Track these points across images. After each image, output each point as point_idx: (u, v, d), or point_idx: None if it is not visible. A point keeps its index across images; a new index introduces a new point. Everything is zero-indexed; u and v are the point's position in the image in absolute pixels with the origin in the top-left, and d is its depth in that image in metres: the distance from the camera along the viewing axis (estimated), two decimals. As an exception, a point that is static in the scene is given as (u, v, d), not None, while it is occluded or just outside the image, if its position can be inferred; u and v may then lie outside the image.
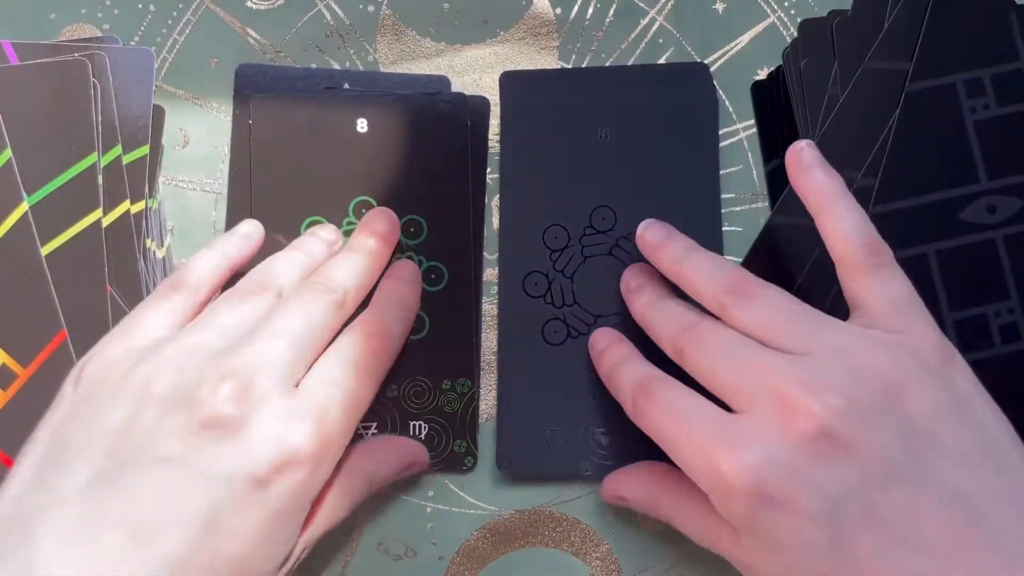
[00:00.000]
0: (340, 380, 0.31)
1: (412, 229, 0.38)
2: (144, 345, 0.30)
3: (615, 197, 0.38)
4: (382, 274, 0.36)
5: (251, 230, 0.36)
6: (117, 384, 0.29)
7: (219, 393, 0.28)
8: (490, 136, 0.40)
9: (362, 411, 0.33)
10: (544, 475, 0.37)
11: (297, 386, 0.30)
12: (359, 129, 0.38)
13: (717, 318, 0.31)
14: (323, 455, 0.30)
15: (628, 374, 0.33)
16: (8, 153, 0.36)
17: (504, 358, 0.37)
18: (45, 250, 0.35)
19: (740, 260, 0.39)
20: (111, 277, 0.36)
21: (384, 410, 0.37)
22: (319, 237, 0.36)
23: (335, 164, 0.38)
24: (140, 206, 0.37)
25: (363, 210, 0.38)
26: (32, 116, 0.36)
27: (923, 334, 0.29)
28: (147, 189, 0.37)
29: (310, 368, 0.31)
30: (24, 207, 0.36)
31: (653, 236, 0.35)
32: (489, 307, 0.39)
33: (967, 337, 0.35)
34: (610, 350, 0.35)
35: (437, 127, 0.38)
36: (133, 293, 0.36)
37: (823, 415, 0.26)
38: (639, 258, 0.37)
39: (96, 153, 0.36)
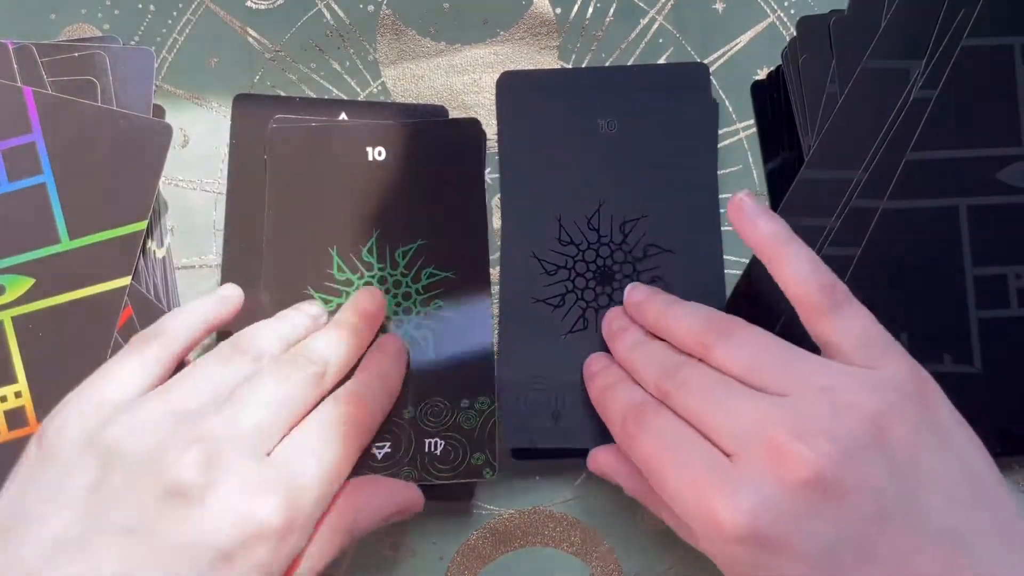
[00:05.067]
0: (315, 449, 0.31)
1: (426, 254, 0.38)
2: (115, 401, 0.30)
3: (614, 197, 0.38)
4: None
5: (230, 293, 0.35)
6: (84, 445, 0.28)
7: (185, 460, 0.28)
8: (490, 136, 0.40)
9: (339, 481, 0.32)
10: (556, 455, 0.37)
11: (270, 455, 0.30)
12: (375, 157, 0.38)
13: (700, 360, 0.31)
14: (291, 528, 0.29)
15: (620, 398, 0.33)
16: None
17: (513, 353, 0.37)
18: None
19: (740, 260, 0.39)
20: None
21: (399, 430, 0.36)
22: (304, 311, 0.36)
23: (352, 193, 0.38)
24: (140, 206, 0.37)
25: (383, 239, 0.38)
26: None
27: (900, 367, 0.29)
28: (147, 189, 0.37)
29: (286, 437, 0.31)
30: None
31: (637, 295, 0.36)
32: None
33: (984, 294, 0.35)
34: (603, 372, 0.35)
35: (452, 153, 0.38)
36: (133, 293, 0.36)
37: (815, 461, 0.26)
38: (638, 257, 0.37)
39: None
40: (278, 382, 0.31)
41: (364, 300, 0.36)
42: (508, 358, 0.37)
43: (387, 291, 0.37)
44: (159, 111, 0.39)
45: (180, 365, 0.33)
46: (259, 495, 0.28)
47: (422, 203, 0.38)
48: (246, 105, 0.39)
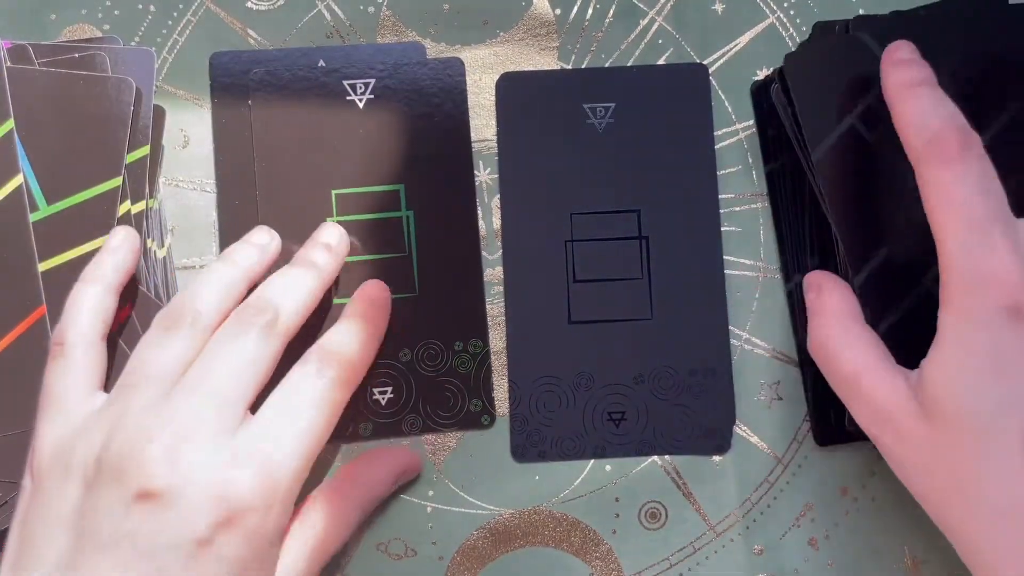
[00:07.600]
0: (289, 418, 0.30)
1: (415, 194, 0.38)
2: (72, 422, 0.30)
3: (614, 197, 0.38)
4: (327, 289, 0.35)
5: (120, 239, 0.34)
6: (61, 470, 0.29)
7: (146, 461, 0.28)
8: (489, 136, 0.40)
9: (319, 446, 0.31)
10: (562, 457, 0.38)
11: (240, 428, 0.29)
12: (358, 99, 0.39)
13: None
14: (270, 503, 0.29)
15: (936, 104, 0.30)
16: (10, 124, 0.36)
17: (520, 353, 0.38)
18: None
19: (740, 260, 0.39)
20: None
21: (399, 374, 0.37)
22: (250, 242, 0.34)
23: (336, 136, 0.38)
24: (140, 206, 0.37)
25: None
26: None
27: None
28: (147, 189, 0.37)
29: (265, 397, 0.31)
30: (19, 179, 0.36)
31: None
32: (489, 307, 0.39)
33: None
34: (915, 63, 0.31)
35: (437, 95, 0.39)
36: (134, 293, 0.36)
37: None
38: (639, 256, 0.38)
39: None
40: (227, 347, 0.30)
41: (325, 234, 0.35)
42: (516, 359, 0.38)
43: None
44: (159, 111, 0.39)
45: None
46: (229, 474, 0.28)
47: (405, 144, 0.38)
48: (223, 61, 0.40)
